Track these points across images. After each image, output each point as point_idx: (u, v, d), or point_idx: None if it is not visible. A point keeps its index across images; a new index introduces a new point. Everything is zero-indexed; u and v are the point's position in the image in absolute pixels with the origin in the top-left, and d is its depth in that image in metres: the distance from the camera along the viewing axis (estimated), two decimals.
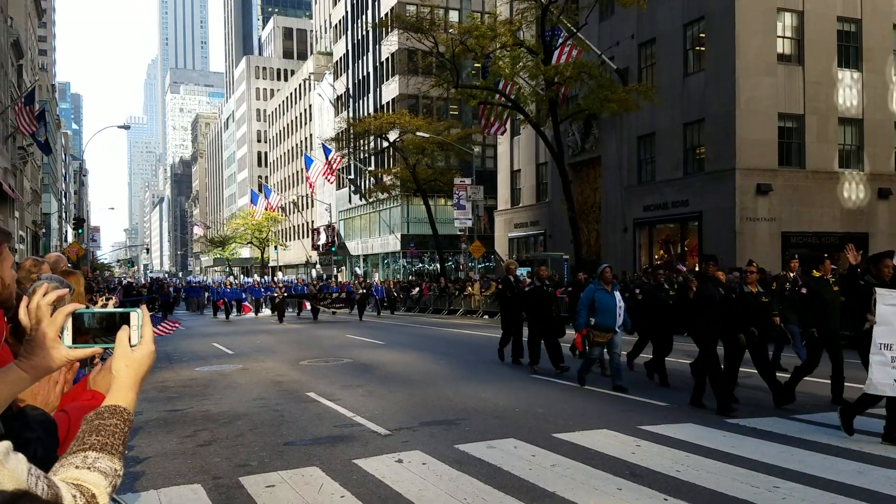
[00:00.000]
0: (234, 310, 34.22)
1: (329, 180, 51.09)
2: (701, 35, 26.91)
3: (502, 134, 37.85)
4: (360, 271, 47.43)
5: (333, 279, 51.70)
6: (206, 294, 39.89)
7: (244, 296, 35.81)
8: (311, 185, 53.63)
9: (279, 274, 66.51)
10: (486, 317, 29.04)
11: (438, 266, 43.75)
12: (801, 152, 26.03)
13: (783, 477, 5.76)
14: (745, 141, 25.03)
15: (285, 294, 31.27)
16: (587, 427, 7.75)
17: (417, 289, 36.45)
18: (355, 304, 31.39)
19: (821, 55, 25.98)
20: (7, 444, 1.07)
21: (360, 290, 31.81)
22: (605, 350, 10.93)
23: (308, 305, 32.23)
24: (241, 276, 62.50)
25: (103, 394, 2.13)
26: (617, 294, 10.45)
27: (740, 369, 9.17)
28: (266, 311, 36.16)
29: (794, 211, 25.56)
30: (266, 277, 55.87)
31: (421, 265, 52.13)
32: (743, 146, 24.99)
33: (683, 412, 8.59)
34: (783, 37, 25.87)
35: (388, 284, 37.88)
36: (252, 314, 34.65)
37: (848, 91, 26.56)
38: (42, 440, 1.64)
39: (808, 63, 25.85)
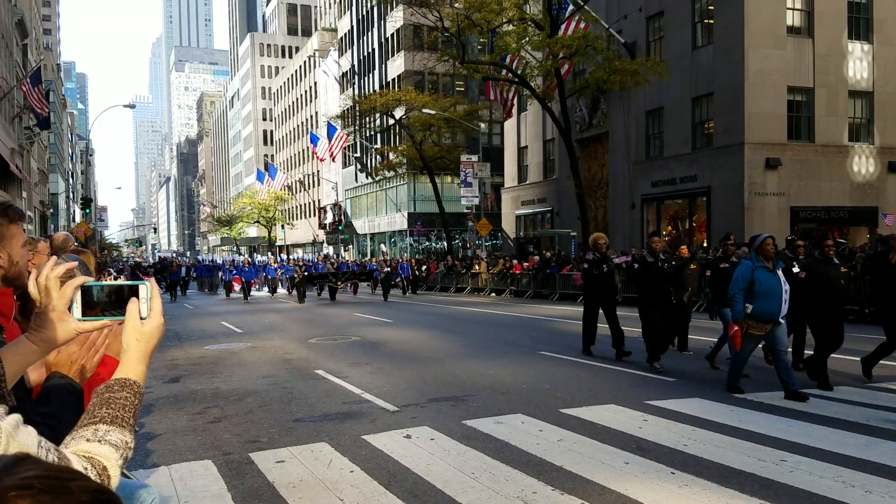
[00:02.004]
0: (251, 289, 32.39)
1: (332, 157, 50.90)
2: (710, 7, 26.57)
3: (508, 117, 37.77)
4: (385, 248, 46.12)
5: (341, 258, 51.42)
6: (220, 273, 38.42)
7: (258, 274, 34.37)
8: (320, 159, 53.48)
9: (298, 252, 66.10)
10: (493, 294, 29.09)
11: (445, 244, 43.76)
12: (810, 126, 25.79)
13: (790, 451, 5.77)
14: (754, 115, 24.81)
15: (305, 273, 29.87)
16: (594, 402, 7.78)
17: (425, 267, 36.41)
18: (378, 283, 30.11)
19: (831, 27, 25.62)
20: (17, 417, 1.08)
21: (386, 269, 30.43)
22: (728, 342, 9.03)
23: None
24: (256, 254, 61.86)
25: (115, 358, 2.12)
26: (780, 274, 8.13)
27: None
28: (282, 291, 35.01)
29: (804, 185, 25.39)
30: (283, 256, 55.17)
31: (428, 243, 52.15)
32: (752, 120, 24.77)
33: (690, 387, 8.60)
34: (792, 8, 25.51)
35: (412, 262, 35.93)
36: (267, 293, 33.65)
37: (858, 63, 26.24)
38: (55, 415, 1.65)
39: (818, 35, 25.51)
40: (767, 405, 7.53)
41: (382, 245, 49.56)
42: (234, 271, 33.96)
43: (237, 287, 33.15)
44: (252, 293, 32.00)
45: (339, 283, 29.36)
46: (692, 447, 5.94)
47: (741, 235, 23.55)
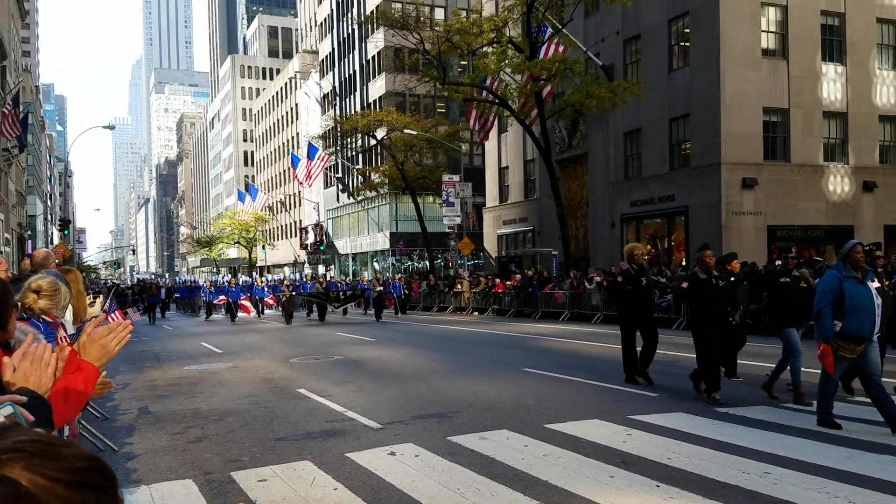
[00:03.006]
0: (238, 310, 30.16)
1: (308, 184, 50.70)
2: (686, 30, 27.02)
3: (482, 142, 38.00)
4: (377, 266, 44.36)
5: (329, 277, 50.77)
6: (201, 294, 36.02)
7: (243, 295, 31.85)
8: (300, 182, 53.33)
9: (285, 271, 65.13)
10: (476, 313, 29.09)
11: (428, 264, 43.74)
12: (786, 146, 26.20)
13: (774, 463, 5.81)
14: (731, 135, 25.17)
15: (293, 293, 28.38)
16: (578, 417, 7.78)
17: (405, 287, 36.28)
18: (370, 303, 28.91)
19: (805, 49, 26.15)
20: None
21: (378, 288, 29.14)
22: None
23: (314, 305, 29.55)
24: (241, 275, 60.61)
25: (90, 362, 2.12)
26: (872, 285, 7.14)
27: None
28: (269, 312, 33.04)
29: (780, 204, 25.73)
30: (267, 276, 53.84)
31: (410, 263, 52.10)
32: (728, 140, 25.13)
33: (673, 402, 8.64)
34: (767, 31, 26.01)
35: (403, 281, 34.16)
36: (253, 315, 31.53)
37: (832, 85, 26.76)
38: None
39: (793, 57, 26.02)
40: (749, 419, 7.58)
41: (375, 263, 48.15)
42: (217, 292, 32.15)
43: (221, 309, 31.49)
44: (240, 314, 30.29)
45: (332, 304, 28.15)
46: (676, 460, 5.96)
47: (719, 254, 23.68)
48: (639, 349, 10.29)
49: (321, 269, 60.21)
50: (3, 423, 0.70)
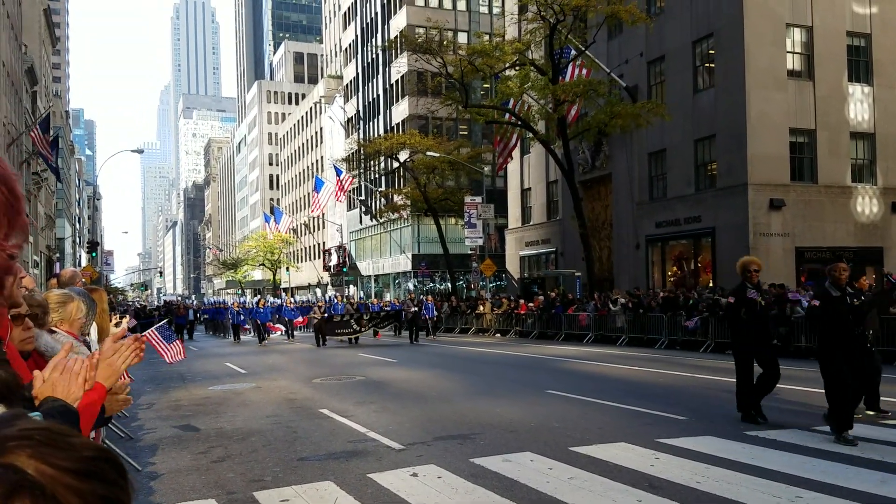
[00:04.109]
0: (267, 331, 29.37)
1: (337, 198, 51.02)
2: (710, 52, 26.97)
3: (501, 168, 38.00)
4: (411, 287, 42.41)
5: (360, 298, 50.17)
6: (229, 316, 34.59)
7: (272, 317, 31.13)
8: (317, 208, 53.67)
9: (318, 292, 64.70)
10: (498, 335, 28.94)
11: (450, 285, 43.70)
12: (813, 167, 25.92)
13: (805, 487, 5.65)
14: (757, 156, 24.96)
15: (324, 315, 27.07)
16: (604, 440, 7.66)
17: None
18: (405, 325, 27.97)
19: (831, 70, 25.95)
20: None
21: (412, 309, 27.95)
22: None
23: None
24: (270, 296, 60.15)
25: (101, 383, 2.12)
26: None
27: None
28: (298, 334, 32.41)
29: (808, 226, 25.40)
30: (295, 297, 53.12)
31: (432, 284, 52.10)
32: (754, 161, 24.92)
33: (702, 425, 8.47)
34: (792, 52, 25.87)
35: (438, 303, 33.30)
36: (282, 335, 30.52)
37: (859, 105, 26.48)
38: None
39: (819, 78, 25.82)
40: (780, 442, 7.41)
41: (409, 284, 46.56)
42: (246, 313, 31.22)
43: (250, 330, 30.68)
44: (271, 336, 29.44)
45: (362, 329, 26.44)
46: (705, 484, 5.83)
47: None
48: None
49: (351, 289, 60.06)
50: (10, 412, 0.68)
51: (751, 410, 8.53)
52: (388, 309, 29.34)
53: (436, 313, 30.40)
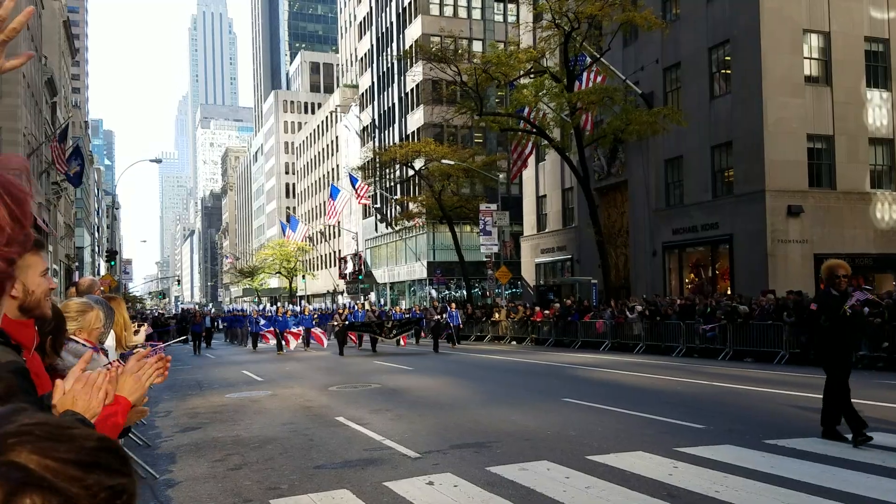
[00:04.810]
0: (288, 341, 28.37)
1: (360, 202, 51.24)
2: (726, 58, 26.83)
3: (515, 177, 37.75)
4: (435, 294, 40.73)
5: (379, 305, 49.76)
6: (247, 324, 33.71)
7: (293, 325, 29.71)
8: (332, 215, 53.90)
9: (339, 298, 64.14)
10: (514, 342, 28.86)
11: (465, 293, 43.67)
12: (831, 173, 25.69)
13: (826, 496, 5.58)
14: (774, 162, 24.77)
15: (345, 322, 26.30)
16: (622, 449, 7.60)
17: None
18: (424, 332, 27.42)
19: (849, 75, 25.74)
20: None
21: (436, 317, 27.14)
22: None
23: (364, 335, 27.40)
24: (289, 304, 59.52)
25: (124, 396, 2.13)
26: None
27: (778, 391, 8.90)
28: (315, 343, 30.54)
29: (827, 232, 25.14)
30: (314, 305, 51.85)
31: (447, 292, 52.08)
32: (772, 168, 24.73)
33: (720, 434, 8.38)
34: (810, 58, 25.69)
35: (461, 310, 31.78)
36: (301, 345, 29.36)
37: (878, 111, 26.23)
38: None
39: (836, 83, 25.62)
40: (800, 451, 7.31)
41: (433, 290, 45.01)
42: (264, 322, 30.41)
43: (271, 339, 29.90)
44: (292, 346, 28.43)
45: (384, 336, 25.67)
46: (725, 494, 5.76)
47: (765, 283, 23.31)
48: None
49: (372, 296, 59.74)
50: (8, 407, 0.67)
51: (834, 426, 7.84)
52: (410, 316, 28.79)
53: (461, 321, 29.50)
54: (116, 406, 2.10)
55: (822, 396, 7.95)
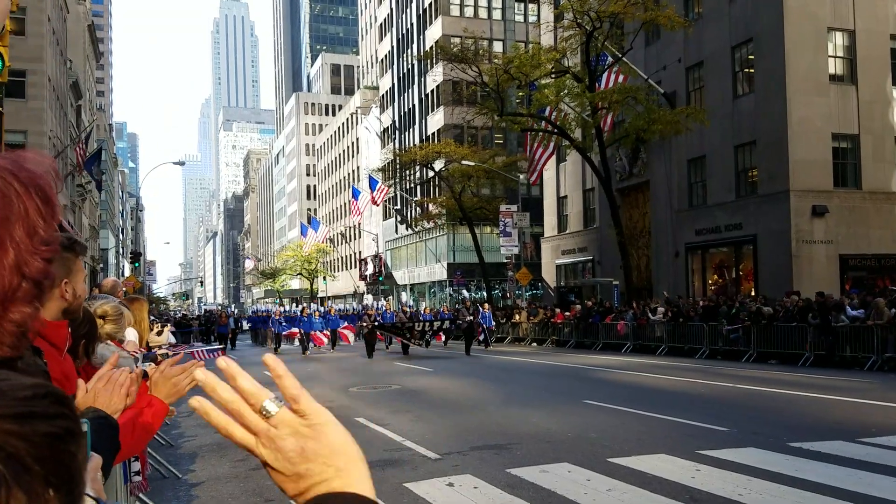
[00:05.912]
0: (310, 342, 28.09)
1: (374, 204, 51.38)
2: (750, 57, 26.56)
3: (535, 182, 37.46)
4: (467, 294, 39.67)
5: (410, 306, 47.97)
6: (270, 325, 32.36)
7: (318, 327, 28.84)
8: (358, 212, 54.12)
9: (367, 298, 63.65)
10: (534, 344, 28.76)
11: (485, 294, 43.58)
12: (856, 173, 25.33)
13: (850, 500, 5.49)
14: (799, 162, 24.48)
15: (375, 324, 25.46)
16: (643, 452, 7.54)
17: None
18: (452, 334, 26.64)
19: (874, 74, 25.36)
20: None
21: (468, 318, 26.10)
22: None
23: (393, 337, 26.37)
24: (314, 305, 58.43)
25: (160, 399, 2.16)
26: None
27: (802, 394, 8.81)
28: (341, 344, 30.23)
29: (852, 233, 24.79)
30: (340, 306, 50.88)
31: (467, 293, 51.97)
32: (796, 167, 24.44)
33: (744, 436, 8.29)
34: (834, 56, 25.36)
35: (495, 311, 31.38)
36: (327, 346, 28.80)
37: None
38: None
39: (861, 82, 25.26)
40: (824, 454, 7.21)
41: (465, 291, 44.08)
42: (287, 323, 29.66)
43: (294, 340, 29.31)
44: (317, 347, 28.07)
45: (414, 341, 24.55)
46: (748, 497, 5.70)
47: (789, 284, 23.03)
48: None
49: (403, 296, 59.20)
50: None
51: None
52: (440, 317, 27.81)
53: (493, 322, 28.54)
54: (150, 409, 2.13)
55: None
